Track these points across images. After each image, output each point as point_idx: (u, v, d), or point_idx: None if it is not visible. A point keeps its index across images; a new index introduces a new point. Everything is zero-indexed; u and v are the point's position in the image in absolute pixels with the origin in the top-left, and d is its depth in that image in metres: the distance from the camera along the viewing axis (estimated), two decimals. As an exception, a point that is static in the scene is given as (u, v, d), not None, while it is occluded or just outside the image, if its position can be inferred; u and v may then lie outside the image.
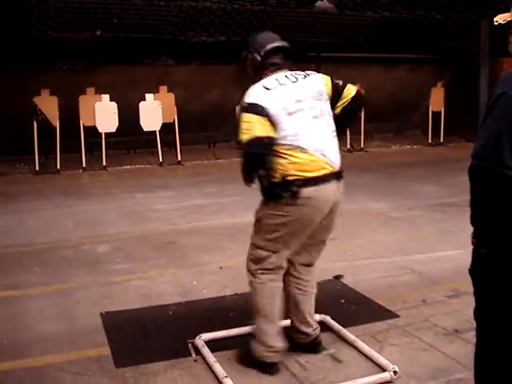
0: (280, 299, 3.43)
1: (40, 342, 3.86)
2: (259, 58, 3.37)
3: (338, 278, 4.90)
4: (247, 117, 3.16)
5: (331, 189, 3.27)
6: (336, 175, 3.30)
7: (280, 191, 3.22)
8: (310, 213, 3.25)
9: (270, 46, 3.37)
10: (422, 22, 12.46)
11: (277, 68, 3.37)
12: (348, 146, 12.86)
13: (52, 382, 3.39)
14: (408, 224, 6.73)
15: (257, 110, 3.15)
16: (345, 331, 3.82)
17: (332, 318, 3.94)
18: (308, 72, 3.44)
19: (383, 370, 3.34)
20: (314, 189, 3.20)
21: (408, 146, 13.95)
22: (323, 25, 12.09)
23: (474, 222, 2.17)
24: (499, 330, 2.19)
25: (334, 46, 12.75)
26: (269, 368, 3.39)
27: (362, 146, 13.18)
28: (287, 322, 3.66)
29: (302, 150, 3.19)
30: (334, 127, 3.38)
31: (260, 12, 11.42)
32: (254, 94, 3.23)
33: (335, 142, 3.36)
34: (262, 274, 3.40)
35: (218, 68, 12.26)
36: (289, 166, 3.20)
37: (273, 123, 3.15)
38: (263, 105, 3.15)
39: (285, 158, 3.20)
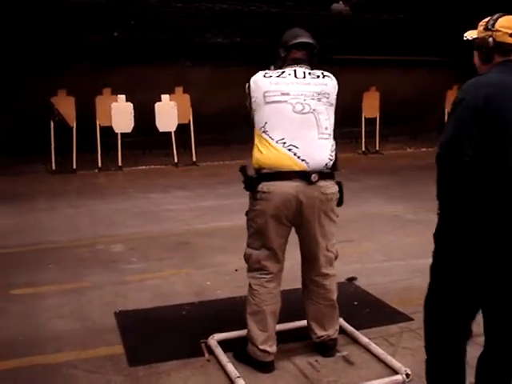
0: (272, 304, 3.43)
1: (54, 340, 3.89)
2: (282, 54, 3.46)
3: (351, 280, 4.89)
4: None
5: (292, 188, 3.23)
6: (305, 175, 3.24)
7: (246, 182, 3.38)
8: (269, 209, 3.26)
9: (292, 42, 3.44)
10: (439, 25, 12.40)
11: (295, 63, 3.42)
12: (363, 149, 12.84)
13: (65, 379, 3.42)
14: (424, 227, 6.66)
15: (249, 83, 3.42)
16: (358, 333, 3.81)
17: (345, 320, 3.93)
18: (326, 74, 3.46)
19: (396, 372, 3.34)
20: (271, 184, 3.24)
21: (424, 149, 13.86)
22: (339, 27, 12.08)
23: (438, 197, 2.66)
24: (449, 284, 2.72)
25: (350, 48, 12.71)
26: (262, 367, 3.42)
27: (378, 148, 13.11)
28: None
29: (268, 139, 3.25)
30: (326, 129, 3.34)
31: (276, 14, 11.42)
32: (255, 75, 3.42)
33: (322, 142, 3.31)
34: (249, 273, 3.48)
35: (233, 69, 12.24)
36: (258, 155, 3.31)
37: (251, 102, 3.40)
38: (252, 83, 3.39)
39: (257, 147, 3.32)
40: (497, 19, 2.66)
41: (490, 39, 2.65)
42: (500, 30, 2.64)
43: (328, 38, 12.23)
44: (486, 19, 2.71)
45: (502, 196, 2.53)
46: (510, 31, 2.62)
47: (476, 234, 2.58)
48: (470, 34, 2.78)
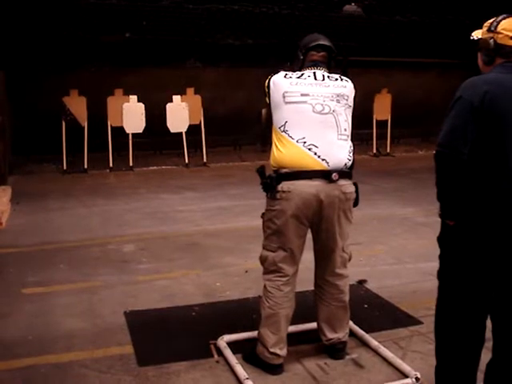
0: (286, 308, 3.43)
1: (64, 339, 3.91)
2: (301, 56, 3.51)
3: (361, 282, 4.88)
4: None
5: (313, 187, 3.25)
6: (326, 174, 3.26)
7: (265, 182, 3.35)
8: (289, 208, 3.27)
9: (311, 44, 3.49)
10: (451, 27, 12.35)
11: (314, 65, 3.46)
12: (374, 151, 12.81)
13: (76, 378, 3.43)
14: (434, 230, 6.58)
15: (269, 83, 3.43)
16: (368, 336, 3.81)
17: (355, 323, 3.93)
18: (343, 77, 3.51)
19: (405, 376, 3.33)
20: (291, 183, 3.25)
21: (435, 152, 13.83)
22: (351, 28, 12.06)
23: (439, 197, 2.71)
24: (457, 288, 2.72)
25: (362, 49, 12.70)
26: (271, 370, 3.43)
27: (389, 150, 13.09)
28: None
29: (288, 138, 3.27)
30: (345, 131, 3.37)
31: (288, 15, 11.43)
32: (276, 75, 3.44)
33: (341, 143, 3.34)
34: (265, 275, 3.47)
35: (244, 71, 12.28)
36: (278, 154, 3.31)
37: (270, 101, 3.41)
38: (271, 83, 3.40)
39: (276, 147, 3.33)
40: (500, 21, 2.63)
41: (491, 41, 2.63)
42: (501, 33, 2.61)
43: (339, 39, 12.24)
44: (491, 20, 2.68)
45: (501, 195, 2.52)
46: (511, 34, 2.60)
47: (477, 234, 2.58)
48: (476, 34, 2.79)
